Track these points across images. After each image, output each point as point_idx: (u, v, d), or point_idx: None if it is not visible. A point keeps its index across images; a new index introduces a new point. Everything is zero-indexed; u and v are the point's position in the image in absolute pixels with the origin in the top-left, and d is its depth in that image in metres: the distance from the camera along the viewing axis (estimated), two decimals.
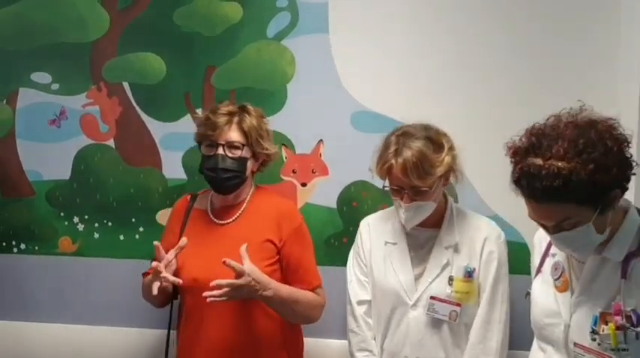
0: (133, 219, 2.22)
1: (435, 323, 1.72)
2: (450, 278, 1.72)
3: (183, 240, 1.70)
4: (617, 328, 1.29)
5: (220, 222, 1.81)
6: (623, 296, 1.30)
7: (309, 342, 1.96)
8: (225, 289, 1.59)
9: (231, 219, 1.80)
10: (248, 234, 1.75)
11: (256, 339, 1.75)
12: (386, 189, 1.73)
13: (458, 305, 1.70)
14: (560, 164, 1.23)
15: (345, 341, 1.92)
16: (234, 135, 1.75)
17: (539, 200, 1.28)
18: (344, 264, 1.95)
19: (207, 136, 1.76)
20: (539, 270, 1.53)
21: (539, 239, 1.57)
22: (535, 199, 1.28)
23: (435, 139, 1.69)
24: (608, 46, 1.97)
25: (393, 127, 2.02)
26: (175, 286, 1.77)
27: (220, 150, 1.74)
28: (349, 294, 1.85)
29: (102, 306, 2.22)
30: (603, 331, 1.31)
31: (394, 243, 1.80)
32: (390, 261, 1.79)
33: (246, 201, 1.82)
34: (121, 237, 2.22)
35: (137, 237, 2.22)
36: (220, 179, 1.75)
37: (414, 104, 2.04)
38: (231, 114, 1.77)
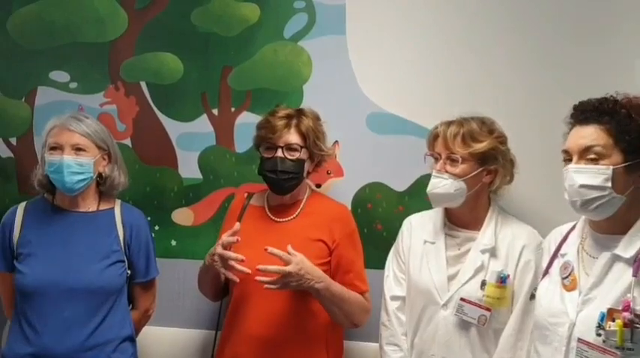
0: (149, 218, 2.20)
1: (464, 326, 1.70)
2: (483, 283, 1.70)
3: (237, 225, 1.74)
4: (625, 325, 1.29)
5: (277, 219, 1.85)
6: (634, 294, 1.31)
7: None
8: (275, 277, 1.63)
9: (288, 218, 1.84)
10: (302, 231, 1.80)
11: (299, 335, 1.77)
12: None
13: (488, 309, 1.68)
14: (619, 100, 1.38)
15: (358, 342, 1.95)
16: (292, 137, 1.79)
17: (584, 119, 1.40)
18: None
19: (267, 139, 1.80)
20: (546, 272, 1.54)
21: (549, 242, 1.60)
22: (581, 119, 1.41)
23: (487, 123, 1.76)
24: (628, 51, 1.95)
25: (408, 129, 2.04)
26: (227, 281, 1.82)
27: (279, 153, 1.78)
28: (384, 289, 1.86)
29: None
30: (610, 327, 1.31)
31: (432, 242, 1.81)
32: (426, 259, 1.80)
33: (303, 202, 1.87)
34: None
35: (152, 235, 2.22)
36: (280, 180, 1.79)
37: (431, 106, 2.04)
38: (289, 117, 1.81)
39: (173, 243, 2.22)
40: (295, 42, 2.14)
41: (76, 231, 1.80)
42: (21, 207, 1.85)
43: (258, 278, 1.64)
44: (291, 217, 1.85)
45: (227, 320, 1.87)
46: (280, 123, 1.78)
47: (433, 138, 1.78)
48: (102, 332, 1.76)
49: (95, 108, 2.24)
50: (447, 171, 1.71)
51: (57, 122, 1.81)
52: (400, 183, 2.09)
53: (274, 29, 2.15)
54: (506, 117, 1.94)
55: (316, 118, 1.86)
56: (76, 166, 1.75)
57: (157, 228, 2.23)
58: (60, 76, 2.27)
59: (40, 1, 2.25)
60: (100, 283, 1.76)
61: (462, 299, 1.70)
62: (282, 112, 1.83)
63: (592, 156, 1.36)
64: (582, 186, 1.36)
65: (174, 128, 2.22)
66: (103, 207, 1.87)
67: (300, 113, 1.84)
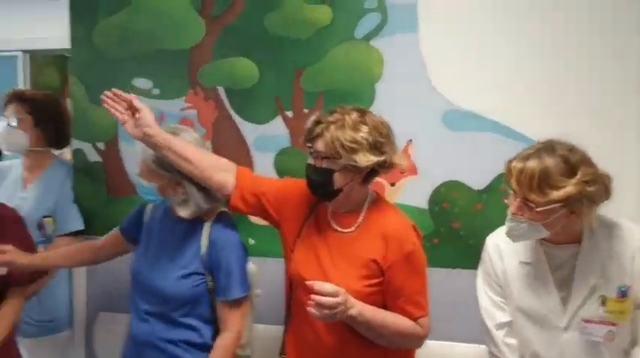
0: None
1: (591, 346, 1.60)
2: (603, 300, 1.59)
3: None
4: None
5: (338, 228, 1.73)
6: None
7: None
8: (325, 311, 1.52)
9: (348, 230, 1.71)
10: (359, 248, 1.68)
11: (355, 348, 1.68)
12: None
13: (614, 324, 1.58)
14: None
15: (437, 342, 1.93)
16: (319, 145, 1.65)
17: None
18: (436, 264, 1.93)
19: (305, 143, 1.72)
20: None
21: None
22: None
23: (571, 162, 1.51)
24: None
25: (485, 126, 2.01)
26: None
27: (310, 159, 1.69)
28: (484, 319, 1.73)
29: None
30: None
31: (529, 263, 1.67)
32: (528, 282, 1.66)
33: (362, 213, 1.71)
34: None
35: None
36: (311, 188, 1.72)
37: (507, 102, 2.00)
38: (318, 123, 1.66)
39: (251, 241, 2.29)
40: (367, 41, 2.15)
41: (172, 234, 1.90)
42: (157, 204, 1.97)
43: (309, 309, 1.54)
44: (350, 229, 1.71)
45: (289, 323, 1.81)
46: (315, 129, 1.66)
47: (508, 169, 1.57)
48: (174, 332, 1.84)
49: (176, 113, 2.34)
50: (522, 215, 1.55)
51: None
52: (478, 181, 2.06)
53: (345, 30, 2.16)
54: (587, 114, 1.88)
55: (354, 127, 1.61)
56: None
57: None
58: (142, 82, 2.37)
59: (123, 12, 2.36)
60: (171, 292, 1.82)
61: (586, 321, 1.59)
62: (321, 117, 1.67)
63: None
64: None
65: (250, 131, 2.28)
66: (202, 217, 1.89)
67: (332, 121, 1.63)
